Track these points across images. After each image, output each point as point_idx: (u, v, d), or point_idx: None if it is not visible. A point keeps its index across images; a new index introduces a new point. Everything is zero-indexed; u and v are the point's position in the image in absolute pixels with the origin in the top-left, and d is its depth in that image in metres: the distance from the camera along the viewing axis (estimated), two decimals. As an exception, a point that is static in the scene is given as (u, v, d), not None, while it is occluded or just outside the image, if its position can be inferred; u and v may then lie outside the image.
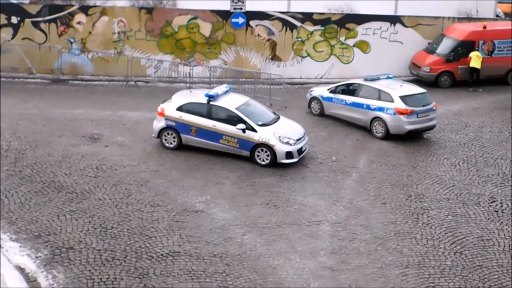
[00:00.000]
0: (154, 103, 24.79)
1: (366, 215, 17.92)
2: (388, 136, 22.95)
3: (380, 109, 23.04)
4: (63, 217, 16.92)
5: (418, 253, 16.21)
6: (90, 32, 29.40)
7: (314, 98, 25.37)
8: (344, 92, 24.52)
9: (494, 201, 19.09)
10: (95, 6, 29.64)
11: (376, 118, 23.17)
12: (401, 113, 22.66)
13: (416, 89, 23.83)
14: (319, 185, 19.57)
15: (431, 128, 23.51)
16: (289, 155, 20.49)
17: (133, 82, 29.18)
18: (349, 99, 24.08)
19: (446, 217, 18.03)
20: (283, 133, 20.72)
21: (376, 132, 23.22)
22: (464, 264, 15.85)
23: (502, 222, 17.93)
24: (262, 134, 20.55)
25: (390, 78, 24.57)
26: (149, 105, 25.20)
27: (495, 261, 16.06)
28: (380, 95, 23.29)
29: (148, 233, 16.47)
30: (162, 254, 15.60)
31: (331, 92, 24.76)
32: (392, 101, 22.90)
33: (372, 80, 24.11)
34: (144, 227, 16.74)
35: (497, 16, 35.68)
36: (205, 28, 29.83)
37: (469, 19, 32.53)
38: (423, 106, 23.08)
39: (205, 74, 29.16)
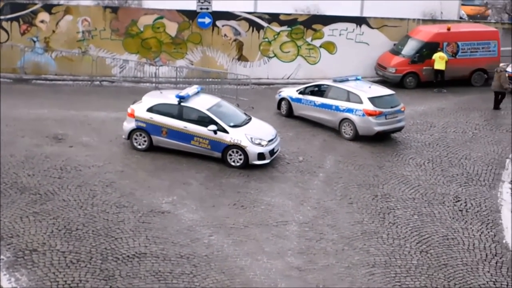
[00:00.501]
0: (120, 103, 24.65)
1: (333, 215, 17.96)
2: (357, 137, 23.04)
3: (349, 110, 23.11)
4: (26, 218, 16.62)
5: (385, 252, 16.30)
6: (53, 31, 29.02)
7: (283, 99, 25.35)
8: (313, 93, 24.56)
9: (458, 201, 19.29)
10: (58, 5, 29.21)
11: (345, 119, 23.23)
12: (370, 115, 22.77)
13: (385, 91, 23.97)
14: (286, 186, 19.57)
15: (399, 129, 23.67)
16: (261, 156, 20.44)
17: (98, 82, 28.86)
18: (318, 100, 24.11)
19: (412, 216, 18.17)
20: (255, 134, 20.66)
21: (345, 133, 23.29)
22: (429, 263, 15.98)
23: (466, 221, 18.12)
24: (233, 135, 20.46)
25: (359, 79, 24.69)
26: (114, 105, 24.97)
27: (459, 259, 16.23)
28: (349, 96, 23.36)
29: (113, 234, 16.27)
30: (128, 256, 15.42)
31: (300, 93, 24.77)
32: (361, 102, 22.99)
33: (341, 81, 24.16)
34: (110, 228, 16.53)
35: (461, 18, 36.12)
36: (171, 28, 29.65)
37: (433, 21, 32.90)
38: (392, 107, 23.22)
39: (171, 74, 28.98)
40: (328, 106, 23.74)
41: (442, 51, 29.95)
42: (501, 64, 28.34)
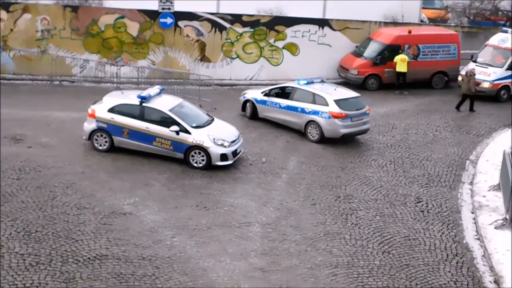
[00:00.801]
0: (80, 103, 24.31)
1: (296, 216, 17.96)
2: (323, 139, 23.04)
3: (315, 112, 23.09)
4: (-17, 220, 16.26)
5: (347, 253, 16.35)
6: (11, 30, 28.46)
7: (247, 101, 25.19)
8: (278, 95, 24.44)
9: (420, 201, 19.47)
10: (16, 3, 28.66)
11: (311, 122, 23.19)
12: (336, 117, 22.76)
13: (350, 93, 23.98)
14: (249, 187, 19.50)
15: (364, 131, 23.73)
16: (223, 157, 20.34)
17: (58, 82, 28.41)
18: (284, 102, 24.00)
19: (374, 217, 18.27)
20: (218, 135, 20.55)
21: (311, 135, 23.26)
22: (391, 263, 16.07)
23: (427, 221, 18.30)
24: (196, 136, 20.31)
25: (324, 81, 24.69)
26: (75, 106, 24.61)
27: (421, 260, 16.36)
28: (314, 98, 23.32)
29: (74, 236, 16.00)
30: (89, 258, 15.18)
31: (265, 95, 24.66)
32: (326, 104, 22.97)
33: (306, 83, 24.13)
34: (70, 230, 16.26)
35: (421, 21, 36.59)
36: (133, 28, 29.35)
37: (395, 23, 33.24)
38: (357, 110, 23.27)
39: (132, 74, 28.68)
40: (294, 108, 23.67)
41: (403, 53, 30.25)
42: (470, 68, 28.66)
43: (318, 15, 32.50)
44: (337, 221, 17.89)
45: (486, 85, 29.30)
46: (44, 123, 23.04)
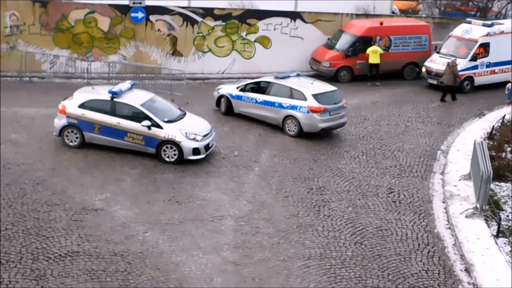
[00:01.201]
0: (50, 99, 24.08)
1: (268, 209, 17.97)
2: (301, 134, 22.92)
3: (293, 107, 22.92)
4: (-48, 219, 16.04)
5: (320, 244, 16.39)
6: (-20, 26, 28.10)
7: (222, 96, 24.86)
8: (253, 90, 24.17)
9: (392, 192, 19.59)
10: (-15, -1, 28.34)
11: (288, 117, 23.01)
12: (314, 111, 22.62)
13: (327, 87, 23.76)
14: (221, 180, 19.47)
15: (342, 125, 23.63)
16: (196, 151, 20.26)
17: (27, 78, 28.09)
18: (260, 97, 23.76)
19: (347, 208, 18.35)
20: (190, 129, 20.47)
21: (289, 130, 23.10)
22: (364, 254, 16.15)
23: (399, 212, 18.42)
24: (168, 131, 20.21)
25: (300, 75, 24.51)
26: (45, 101, 24.36)
27: (393, 250, 16.46)
28: (292, 93, 23.12)
29: (45, 233, 15.86)
30: (60, 255, 15.05)
31: (241, 90, 24.34)
32: (304, 99, 22.81)
33: (283, 78, 23.87)
34: (41, 227, 16.11)
35: (393, 12, 36.81)
36: (103, 23, 29.11)
37: (366, 15, 33.36)
38: (335, 103, 23.13)
39: (103, 69, 28.46)
40: (271, 103, 23.46)
41: (375, 44, 30.37)
42: (452, 59, 28.76)
43: (290, 7, 32.53)
44: (310, 213, 17.94)
45: None
46: (14, 120, 22.77)
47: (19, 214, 16.59)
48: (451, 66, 28.03)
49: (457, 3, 39.97)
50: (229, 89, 24.88)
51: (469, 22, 30.92)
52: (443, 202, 19.18)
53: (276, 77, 24.05)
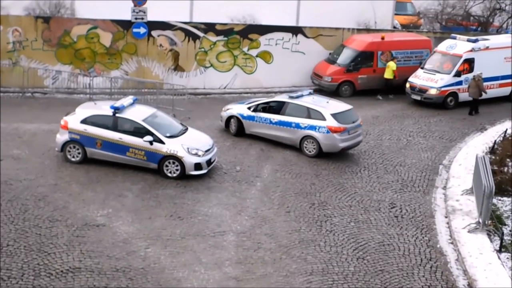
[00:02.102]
0: (52, 115, 24.17)
1: (270, 224, 17.93)
2: (320, 154, 22.53)
3: (312, 127, 22.52)
4: (-47, 235, 16.03)
5: (322, 260, 16.35)
6: (-17, 42, 28.19)
7: (231, 117, 24.21)
8: (265, 110, 23.63)
9: (394, 207, 19.55)
10: (-12, 15, 28.45)
11: (307, 137, 22.59)
12: (335, 131, 22.27)
13: (344, 106, 23.37)
14: (223, 196, 19.45)
15: (359, 143, 23.35)
16: (198, 166, 20.26)
17: (29, 94, 28.15)
18: (275, 117, 23.20)
19: (349, 223, 18.31)
20: (192, 144, 20.48)
21: (308, 150, 22.65)
22: (366, 269, 16.10)
23: (401, 227, 18.37)
24: (170, 146, 20.23)
25: (312, 93, 24.14)
26: (47, 117, 24.43)
27: (395, 265, 16.41)
28: (309, 113, 22.69)
29: (46, 249, 15.85)
30: (62, 271, 15.03)
31: (253, 110, 23.76)
32: (323, 119, 22.39)
33: (297, 97, 23.40)
34: (43, 243, 16.10)
35: (394, 27, 36.85)
36: (106, 38, 29.20)
37: (368, 30, 33.44)
38: (353, 122, 22.86)
39: (106, 85, 28.52)
40: (287, 124, 22.98)
41: (394, 60, 30.44)
42: (477, 72, 28.63)
43: (291, 22, 32.63)
44: (312, 228, 17.90)
45: (433, 91, 29.09)
46: (16, 135, 22.81)
47: (21, 230, 16.59)
48: (477, 80, 28.03)
49: (458, 17, 40.03)
50: (239, 109, 24.19)
51: (454, 38, 30.61)
52: (446, 217, 19.14)
53: (291, 97, 23.50)
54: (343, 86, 30.71)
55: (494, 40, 30.89)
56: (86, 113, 20.96)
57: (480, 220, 18.16)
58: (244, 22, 31.88)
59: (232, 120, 24.24)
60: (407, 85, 30.06)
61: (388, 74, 30.37)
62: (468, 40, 30.00)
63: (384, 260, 16.59)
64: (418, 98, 29.49)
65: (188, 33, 30.09)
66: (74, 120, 20.81)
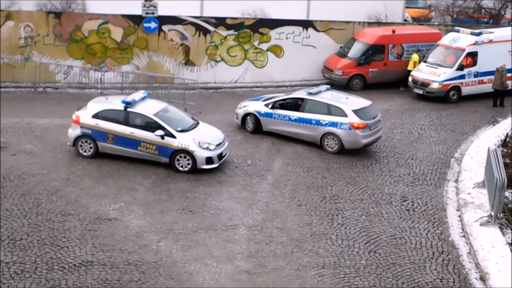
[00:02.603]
0: (64, 109, 24.27)
1: (282, 218, 17.96)
2: (342, 150, 22.40)
3: (333, 124, 22.31)
4: (-33, 229, 16.17)
5: (334, 253, 16.36)
6: (-5, 37, 28.34)
7: (248, 114, 23.89)
8: (283, 106, 23.42)
9: (405, 200, 19.52)
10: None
11: (328, 134, 22.38)
12: (357, 128, 22.09)
13: (364, 102, 23.15)
14: (235, 189, 19.49)
15: (379, 139, 23.22)
16: (209, 160, 20.31)
17: (41, 89, 28.28)
18: (294, 114, 22.92)
19: (360, 217, 18.30)
20: (203, 139, 20.52)
21: (329, 147, 22.48)
22: (378, 263, 16.10)
23: (413, 220, 18.35)
24: (181, 140, 20.28)
25: (329, 89, 23.87)
26: (58, 112, 24.54)
27: (407, 258, 16.40)
28: (330, 109, 22.46)
29: (59, 243, 15.95)
30: (74, 265, 15.13)
31: (271, 107, 23.46)
32: (345, 115, 22.20)
33: (316, 93, 23.17)
34: (55, 237, 16.20)
35: (405, 20, 36.75)
36: (117, 33, 29.28)
37: (378, 23, 33.34)
38: (373, 118, 22.71)
39: (117, 79, 28.61)
40: (307, 121, 22.73)
41: (418, 52, 30.52)
42: (501, 64, 28.39)
43: (302, 16, 32.58)
44: (323, 221, 17.91)
45: (435, 85, 28.86)
46: (28, 130, 22.95)
47: (34, 224, 16.70)
48: (500, 71, 27.92)
49: (469, 10, 39.85)
50: (256, 106, 23.83)
51: (458, 31, 30.31)
52: (457, 210, 19.09)
53: (309, 93, 23.25)
54: (354, 79, 30.65)
55: (498, 33, 30.57)
56: (97, 108, 21.04)
57: (492, 213, 18.10)
58: (254, 16, 31.86)
59: (248, 117, 23.92)
60: (410, 78, 29.84)
61: (411, 66, 30.35)
62: (472, 33, 29.67)
63: (395, 253, 16.58)
64: (421, 92, 29.33)
65: (198, 28, 30.11)
66: (85, 115, 20.90)
